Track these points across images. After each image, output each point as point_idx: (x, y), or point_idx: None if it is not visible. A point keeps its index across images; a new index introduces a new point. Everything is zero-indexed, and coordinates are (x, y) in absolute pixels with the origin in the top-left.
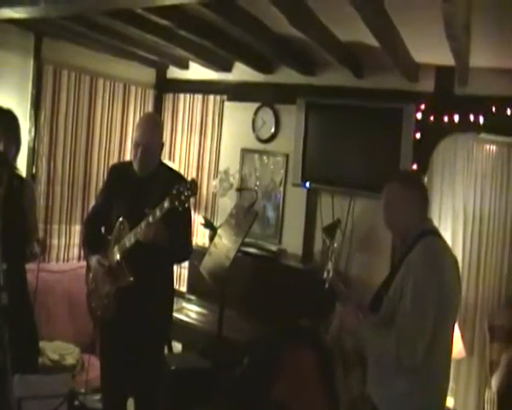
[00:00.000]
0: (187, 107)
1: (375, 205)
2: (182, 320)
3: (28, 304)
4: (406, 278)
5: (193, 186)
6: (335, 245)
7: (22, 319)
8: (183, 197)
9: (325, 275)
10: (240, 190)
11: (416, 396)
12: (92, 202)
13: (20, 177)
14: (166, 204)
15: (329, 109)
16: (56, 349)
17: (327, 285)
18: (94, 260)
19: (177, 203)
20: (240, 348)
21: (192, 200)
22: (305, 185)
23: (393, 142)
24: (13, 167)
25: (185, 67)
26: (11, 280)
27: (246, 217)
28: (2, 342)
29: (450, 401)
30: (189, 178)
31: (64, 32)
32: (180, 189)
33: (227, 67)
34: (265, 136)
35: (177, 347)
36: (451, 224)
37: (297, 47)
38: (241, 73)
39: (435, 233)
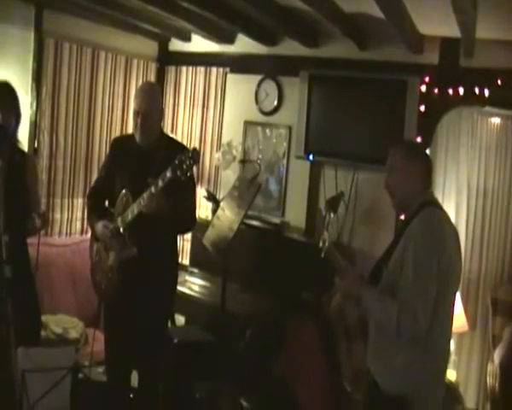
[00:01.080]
0: (189, 79)
1: (378, 178)
2: (184, 293)
3: (30, 277)
4: (406, 249)
5: (195, 155)
6: (332, 216)
7: (24, 292)
8: (185, 166)
9: (321, 244)
10: (243, 162)
11: (415, 368)
12: (95, 176)
13: (21, 151)
14: (169, 174)
15: (333, 81)
16: (60, 323)
17: (322, 255)
18: (100, 225)
19: (179, 173)
20: (242, 321)
21: (195, 170)
22: (308, 157)
23: (397, 114)
24: (14, 141)
25: (187, 39)
26: (13, 253)
27: (249, 189)
28: (5, 314)
29: (452, 375)
30: (191, 148)
31: (65, 3)
32: (182, 158)
33: (229, 39)
34: (268, 108)
35: (180, 320)
36: (455, 197)
37: (300, 18)
38: (243, 44)
39: (435, 204)
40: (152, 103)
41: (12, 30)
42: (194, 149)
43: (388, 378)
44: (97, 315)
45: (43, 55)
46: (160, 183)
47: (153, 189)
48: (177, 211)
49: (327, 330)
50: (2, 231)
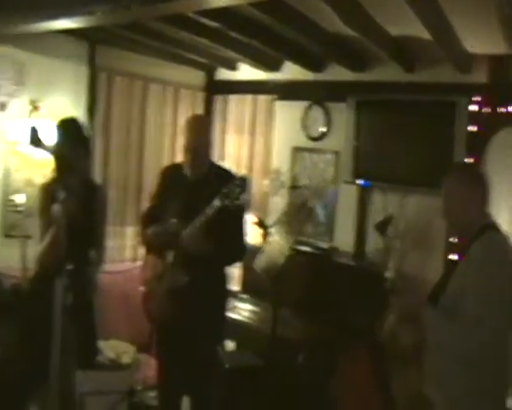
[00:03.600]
0: (237, 108)
1: (427, 201)
2: (235, 319)
3: (90, 304)
4: (467, 274)
5: (243, 183)
6: (397, 244)
7: (84, 318)
8: (233, 195)
9: (388, 274)
10: (291, 188)
11: (477, 396)
12: (145, 204)
13: (92, 183)
14: (217, 203)
15: (380, 105)
16: (113, 348)
17: (388, 285)
18: (153, 228)
19: (227, 201)
20: (293, 346)
21: (246, 197)
22: (366, 184)
23: (447, 136)
24: (86, 173)
25: (234, 68)
26: (76, 280)
27: (299, 215)
28: (67, 339)
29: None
30: (240, 175)
31: (117, 39)
32: (230, 186)
33: (276, 67)
34: (316, 134)
35: (231, 345)
36: (508, 217)
37: (347, 44)
38: (290, 71)
39: (496, 228)
40: (202, 139)
41: (67, 65)
42: (243, 176)
43: (450, 405)
44: (149, 341)
45: (96, 89)
46: (209, 212)
47: (199, 221)
48: (223, 246)
49: (379, 354)
50: (67, 260)
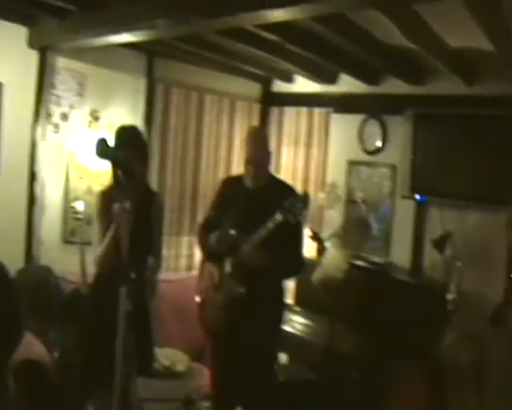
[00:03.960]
0: (292, 120)
1: (487, 218)
2: (288, 332)
3: (147, 310)
4: None
5: (306, 199)
6: (455, 262)
7: (142, 324)
8: (295, 210)
9: (450, 296)
10: (348, 202)
11: None
12: (200, 214)
13: (150, 190)
14: (279, 217)
15: (438, 119)
16: (167, 356)
17: (450, 307)
18: (211, 237)
19: (289, 216)
20: (348, 362)
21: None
22: (422, 199)
23: (508, 151)
24: (142, 183)
25: (290, 80)
26: (134, 287)
27: (355, 229)
28: (128, 345)
29: None
30: (302, 192)
31: (174, 51)
32: (293, 202)
33: (332, 79)
34: (372, 147)
35: (284, 358)
36: None
37: (404, 56)
38: (346, 84)
39: None
40: (263, 151)
41: (125, 77)
42: (306, 193)
43: None
44: (202, 350)
45: (153, 100)
46: (270, 225)
47: (259, 235)
48: (282, 260)
49: (436, 374)
50: (130, 268)
